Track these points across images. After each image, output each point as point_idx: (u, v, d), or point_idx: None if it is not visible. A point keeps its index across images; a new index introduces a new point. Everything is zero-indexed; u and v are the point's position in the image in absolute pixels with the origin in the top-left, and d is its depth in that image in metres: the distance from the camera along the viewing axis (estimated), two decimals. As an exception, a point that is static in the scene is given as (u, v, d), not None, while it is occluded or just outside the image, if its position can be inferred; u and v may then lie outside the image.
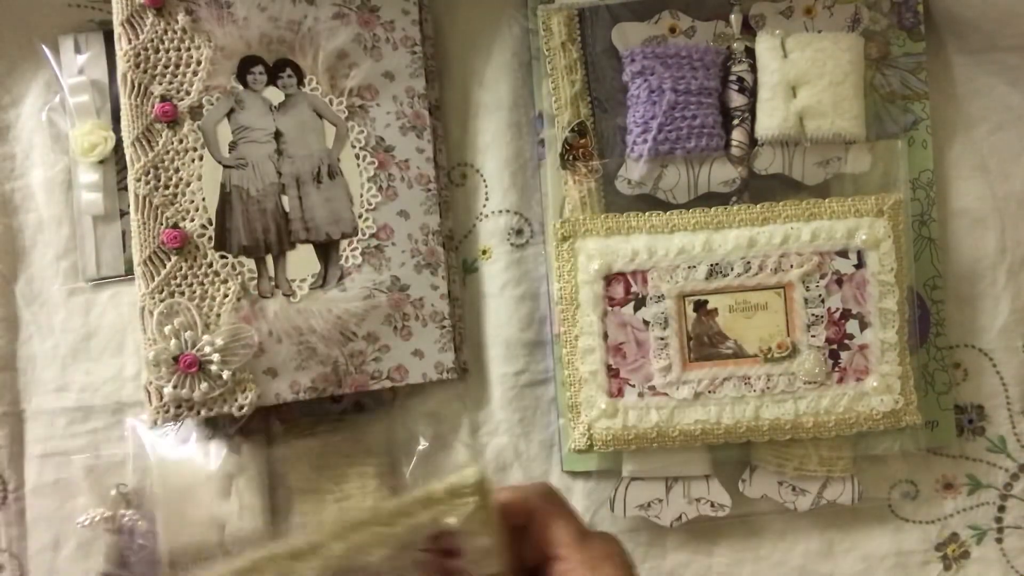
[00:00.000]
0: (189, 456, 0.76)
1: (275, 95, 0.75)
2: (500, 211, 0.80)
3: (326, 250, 0.76)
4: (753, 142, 0.76)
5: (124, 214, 0.77)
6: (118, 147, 0.76)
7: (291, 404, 0.75)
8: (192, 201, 0.74)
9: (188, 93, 0.74)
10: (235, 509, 0.75)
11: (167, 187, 0.73)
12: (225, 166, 0.74)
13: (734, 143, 0.75)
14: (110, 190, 0.78)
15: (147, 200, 0.73)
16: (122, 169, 0.77)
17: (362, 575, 0.55)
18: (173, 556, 0.75)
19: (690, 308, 0.73)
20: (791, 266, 0.72)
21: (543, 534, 0.57)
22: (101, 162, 0.77)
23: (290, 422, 0.77)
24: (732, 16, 0.76)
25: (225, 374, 0.71)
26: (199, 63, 0.74)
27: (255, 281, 0.74)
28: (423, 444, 0.79)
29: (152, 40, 0.73)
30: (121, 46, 0.73)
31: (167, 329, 0.72)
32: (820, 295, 0.72)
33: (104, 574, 0.76)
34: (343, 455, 0.77)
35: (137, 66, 0.73)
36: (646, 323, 0.73)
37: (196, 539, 0.74)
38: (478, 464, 0.56)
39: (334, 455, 0.77)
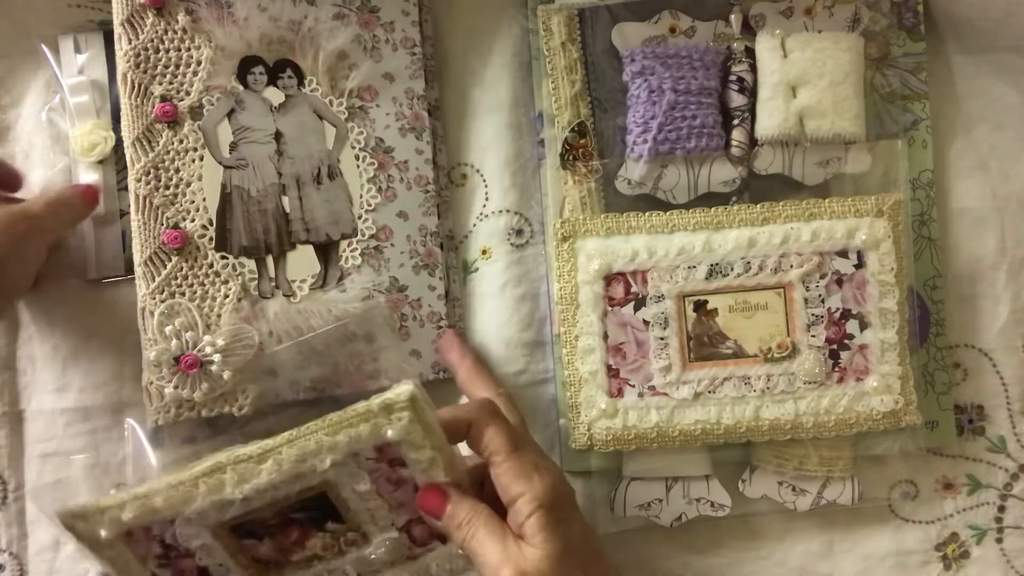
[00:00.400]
0: (190, 457, 0.76)
1: (275, 95, 0.75)
2: (500, 211, 0.80)
3: (326, 251, 0.76)
4: (753, 142, 0.75)
5: (124, 214, 0.77)
6: (118, 147, 0.76)
7: (293, 405, 0.75)
8: (192, 201, 0.74)
9: (188, 93, 0.74)
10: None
11: (167, 187, 0.73)
12: (225, 166, 0.74)
13: (734, 143, 0.75)
14: (110, 190, 0.77)
15: (147, 200, 0.73)
16: (122, 169, 0.77)
17: (314, 479, 0.62)
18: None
19: (690, 308, 0.73)
20: (791, 266, 0.72)
21: (478, 443, 0.63)
22: (101, 162, 0.77)
23: (292, 424, 0.77)
24: (732, 16, 0.76)
25: (226, 374, 0.71)
26: (199, 63, 0.74)
27: (255, 282, 0.74)
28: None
29: (152, 40, 0.73)
30: (121, 46, 0.73)
31: (168, 329, 0.72)
32: (820, 295, 0.72)
33: (104, 574, 0.76)
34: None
35: (137, 66, 0.73)
36: (646, 323, 0.73)
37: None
38: (414, 383, 0.62)
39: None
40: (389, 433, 0.61)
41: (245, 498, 0.62)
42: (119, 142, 0.75)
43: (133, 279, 0.74)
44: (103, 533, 0.63)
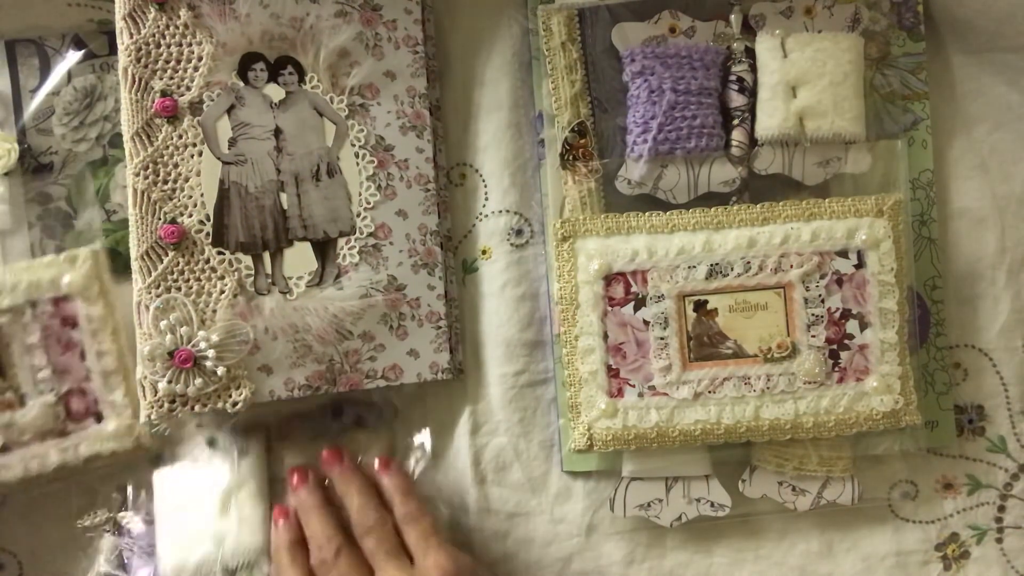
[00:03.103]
0: (189, 470, 0.76)
1: (276, 92, 0.75)
2: (500, 211, 0.80)
3: (324, 248, 0.75)
4: (753, 142, 0.75)
5: (32, 226, 0.77)
6: (23, 158, 0.77)
7: (291, 419, 0.75)
8: (191, 197, 0.74)
9: (189, 88, 0.74)
10: (234, 523, 0.75)
11: (165, 182, 0.73)
12: (224, 162, 0.74)
13: (734, 143, 0.75)
14: (16, 202, 0.77)
15: (145, 195, 0.73)
16: (28, 182, 0.78)
17: None
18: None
19: (690, 308, 0.73)
20: (791, 266, 0.72)
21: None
22: (6, 174, 0.77)
23: (290, 438, 0.77)
24: (732, 16, 0.77)
25: (220, 370, 0.71)
26: (200, 59, 0.74)
27: (252, 278, 0.74)
28: (423, 445, 0.79)
29: (154, 35, 0.74)
30: (122, 40, 0.73)
31: (163, 324, 0.72)
32: (820, 295, 0.72)
33: (104, 574, 0.76)
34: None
35: (138, 60, 0.73)
36: (646, 323, 0.73)
37: (196, 554, 0.74)
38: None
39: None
40: (66, 279, 0.65)
41: None
42: (23, 153, 0.76)
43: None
44: None
